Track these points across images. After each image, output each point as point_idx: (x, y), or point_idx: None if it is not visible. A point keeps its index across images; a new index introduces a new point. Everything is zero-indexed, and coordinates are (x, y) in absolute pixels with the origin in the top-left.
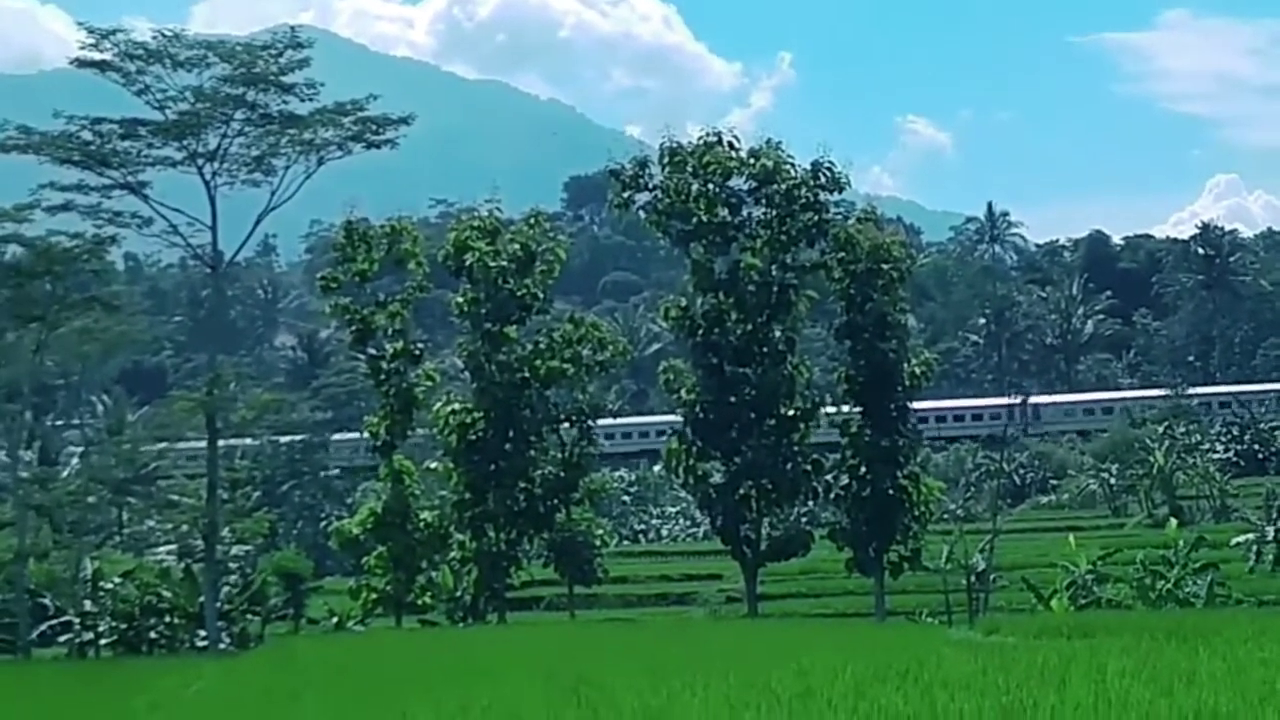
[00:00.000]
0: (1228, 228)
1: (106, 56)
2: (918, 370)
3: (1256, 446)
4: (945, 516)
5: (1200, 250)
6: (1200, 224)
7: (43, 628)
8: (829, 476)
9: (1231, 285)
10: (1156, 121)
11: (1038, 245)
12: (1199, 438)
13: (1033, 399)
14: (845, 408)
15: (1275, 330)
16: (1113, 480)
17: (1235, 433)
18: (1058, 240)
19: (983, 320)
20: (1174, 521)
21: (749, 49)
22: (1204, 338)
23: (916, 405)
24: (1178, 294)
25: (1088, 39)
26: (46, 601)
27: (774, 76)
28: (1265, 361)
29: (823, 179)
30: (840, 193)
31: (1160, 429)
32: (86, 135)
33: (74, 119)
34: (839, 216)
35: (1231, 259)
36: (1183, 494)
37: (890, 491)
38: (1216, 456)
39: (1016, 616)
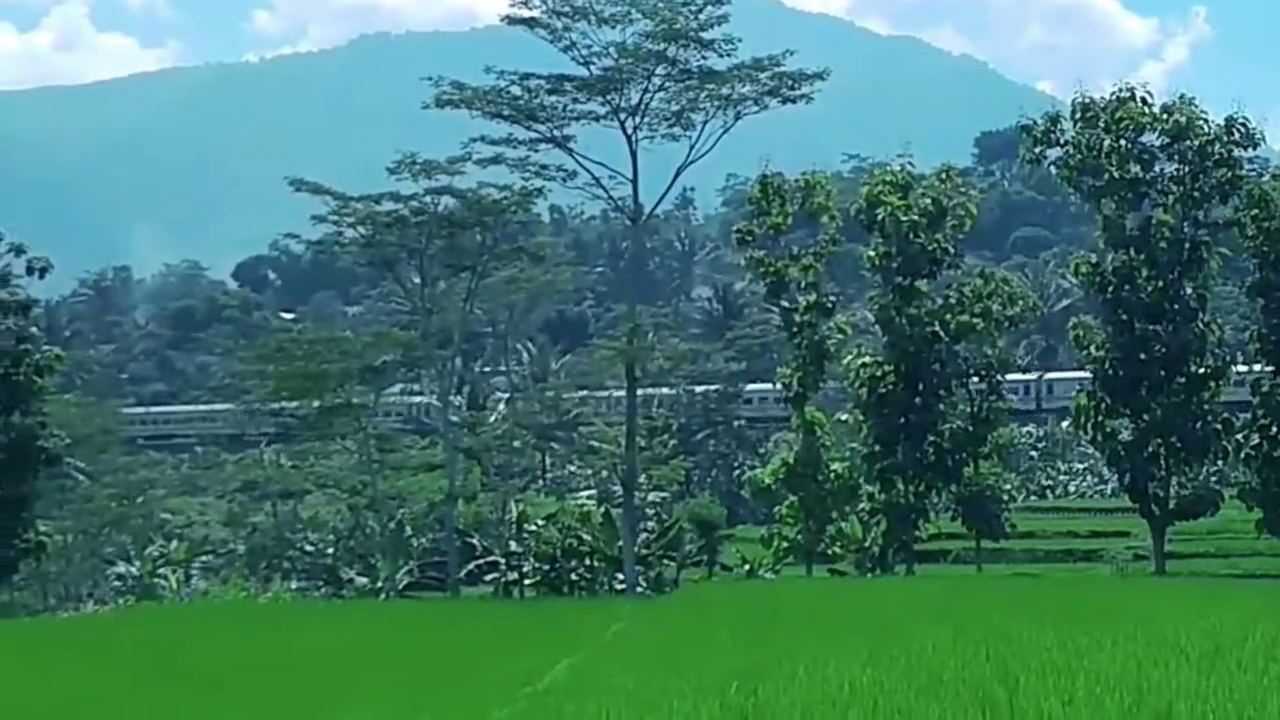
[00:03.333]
0: None
1: (535, 14)
2: None
3: None
4: None
5: None
6: None
7: (470, 566)
8: (1239, 436)
9: None
10: None
11: None
12: None
13: None
14: (1257, 367)
15: None
16: None
17: None
18: None
19: None
20: None
21: (1164, 3)
22: None
23: None
24: None
25: None
26: (474, 541)
27: (1188, 31)
28: None
29: (1236, 135)
30: (1254, 149)
31: None
32: (515, 90)
33: (504, 75)
34: (1253, 173)
35: None
36: None
37: None
38: None
39: None
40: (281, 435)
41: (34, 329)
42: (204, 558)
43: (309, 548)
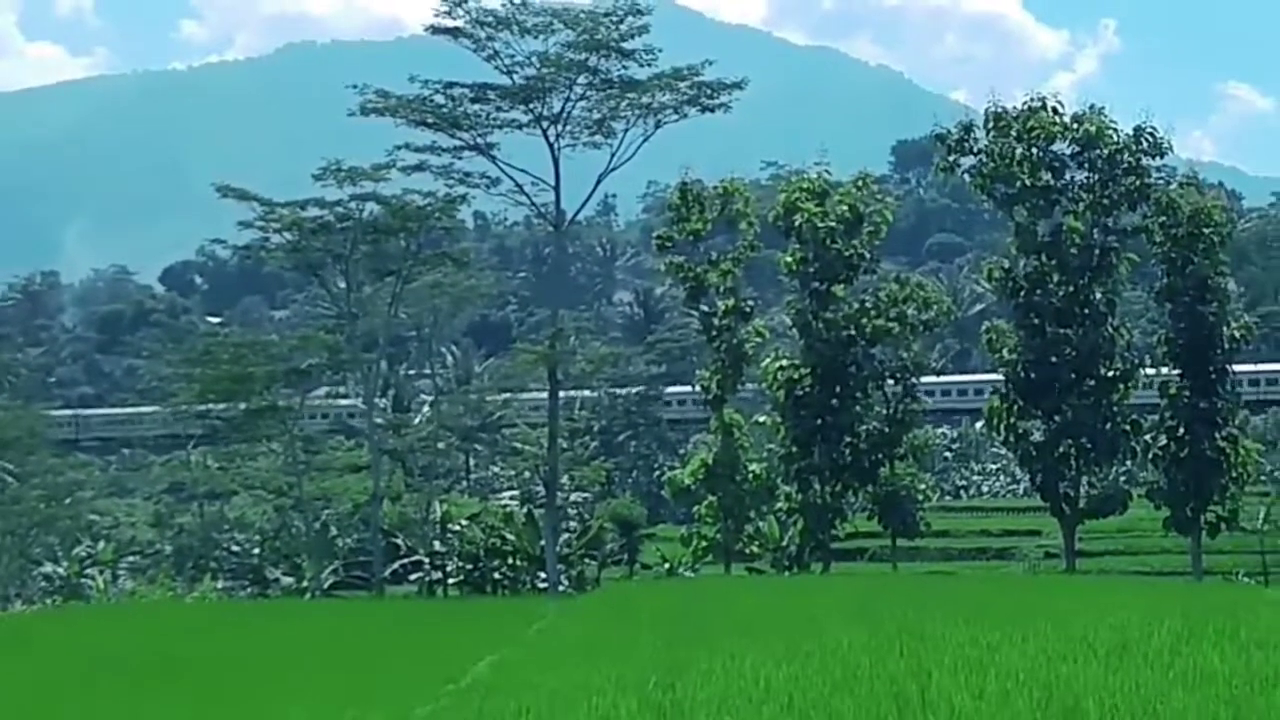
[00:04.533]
0: None
1: (459, 23)
2: (1237, 334)
3: None
4: (1263, 479)
5: None
6: None
7: (395, 566)
8: (1147, 437)
9: None
10: None
11: None
12: None
13: None
14: (1165, 369)
15: None
16: None
17: None
18: None
19: None
20: None
21: (1075, 16)
22: None
23: (1236, 368)
24: None
25: None
26: (399, 541)
27: (1099, 44)
28: None
29: (1144, 144)
30: (1162, 158)
31: None
32: (439, 99)
33: (428, 84)
34: (1160, 181)
35: None
36: None
37: (1208, 453)
38: None
39: None
40: (208, 437)
41: None
42: (131, 558)
43: (235, 548)
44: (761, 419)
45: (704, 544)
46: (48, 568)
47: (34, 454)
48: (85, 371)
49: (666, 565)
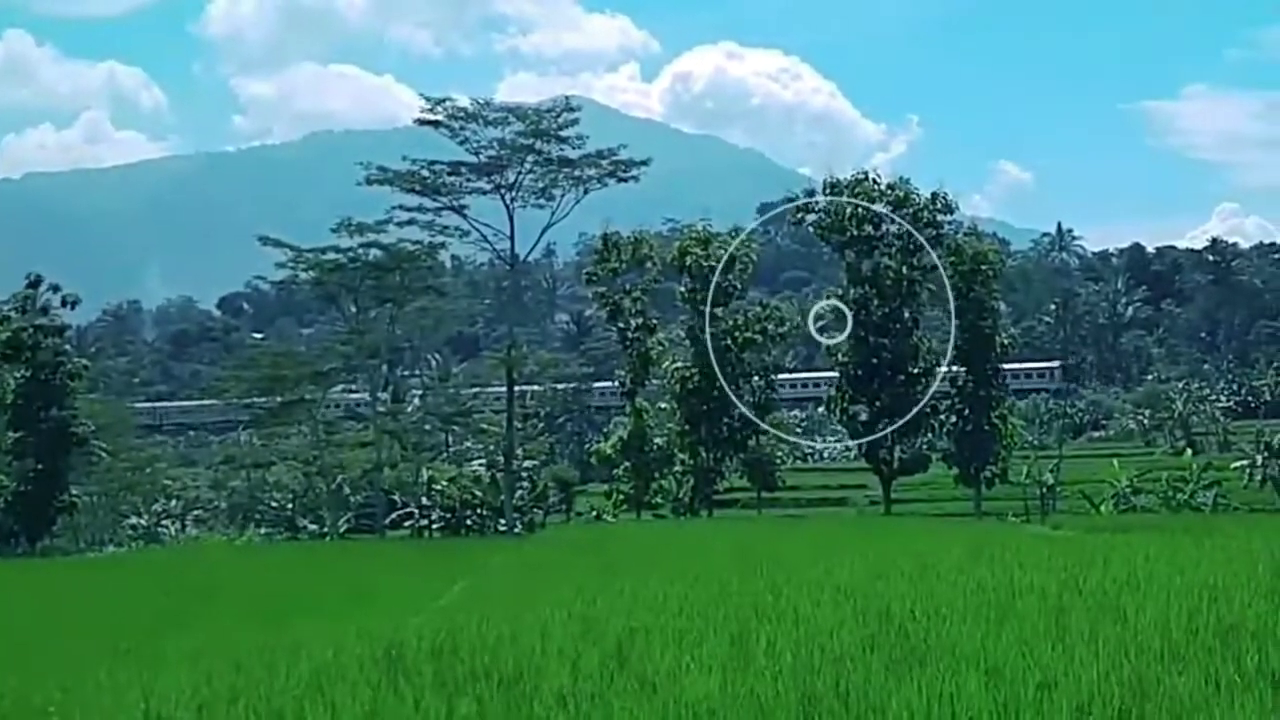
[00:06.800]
0: (1230, 241)
1: (439, 118)
2: (1006, 341)
3: (1250, 397)
4: (1025, 446)
5: (1210, 258)
6: (1210, 239)
7: (393, 516)
8: (942, 416)
9: (1231, 283)
10: (1181, 165)
11: (1094, 253)
12: (1208, 391)
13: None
14: (954, 367)
15: (1263, 314)
16: (1146, 421)
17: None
18: (1108, 249)
19: (1053, 306)
20: (1190, 451)
21: (889, 112)
22: (1211, 320)
23: (1005, 366)
24: (1194, 289)
25: (1131, 106)
26: (396, 498)
27: (907, 133)
28: (1257, 337)
29: (939, 204)
30: (951, 214)
31: (1180, 385)
32: (425, 173)
33: (416, 162)
34: (950, 231)
35: (1232, 264)
36: (1196, 431)
37: (985, 428)
38: (1221, 404)
39: (1075, 517)
40: (253, 422)
41: (67, 346)
42: (195, 512)
43: (274, 504)
44: (663, 405)
45: (621, 497)
46: (133, 519)
47: (122, 436)
48: (161, 374)
49: (594, 513)
